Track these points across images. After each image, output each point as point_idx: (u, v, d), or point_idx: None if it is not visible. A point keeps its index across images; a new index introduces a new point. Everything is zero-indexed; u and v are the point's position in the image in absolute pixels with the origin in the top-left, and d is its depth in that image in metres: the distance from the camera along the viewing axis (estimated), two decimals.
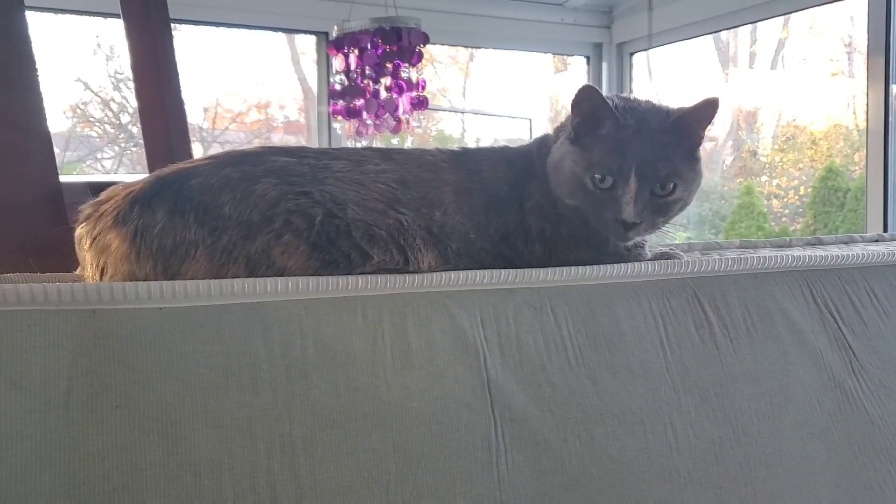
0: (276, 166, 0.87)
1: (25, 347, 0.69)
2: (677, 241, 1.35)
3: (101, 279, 0.84)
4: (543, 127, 4.72)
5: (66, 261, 1.13)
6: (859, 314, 1.06)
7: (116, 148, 4.47)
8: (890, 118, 2.77)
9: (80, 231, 0.88)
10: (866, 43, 2.86)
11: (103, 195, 0.88)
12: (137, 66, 1.76)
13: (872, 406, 1.01)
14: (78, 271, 0.95)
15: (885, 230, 2.75)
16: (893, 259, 1.12)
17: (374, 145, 2.93)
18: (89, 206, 0.88)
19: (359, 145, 2.86)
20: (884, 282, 1.10)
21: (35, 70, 1.28)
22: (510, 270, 0.90)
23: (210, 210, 0.83)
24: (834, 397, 0.99)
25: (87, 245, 0.85)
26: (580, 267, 0.94)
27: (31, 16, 1.32)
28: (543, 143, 1.03)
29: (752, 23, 3.79)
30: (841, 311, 1.05)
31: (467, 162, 0.99)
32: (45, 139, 1.28)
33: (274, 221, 0.84)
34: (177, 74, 1.78)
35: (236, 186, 0.84)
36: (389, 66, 2.70)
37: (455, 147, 1.04)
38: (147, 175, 0.92)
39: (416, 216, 0.92)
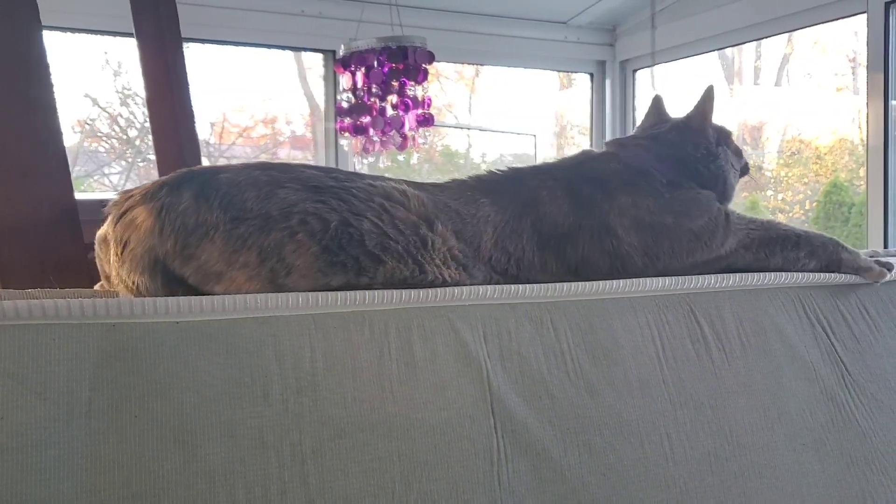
0: (304, 176, 0.90)
1: (49, 360, 0.72)
2: None
3: (121, 252, 0.86)
4: (549, 143, 4.75)
5: (82, 278, 1.16)
6: (851, 329, 1.08)
7: (124, 163, 4.50)
8: (890, 133, 2.79)
9: (108, 210, 0.90)
10: (866, 59, 2.89)
11: (133, 188, 0.91)
12: (151, 86, 1.80)
13: (864, 418, 1.04)
14: (97, 286, 0.98)
15: (886, 246, 2.76)
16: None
17: (381, 162, 2.97)
18: (119, 195, 0.90)
19: (365, 162, 2.90)
20: (875, 297, 1.13)
21: (52, 92, 1.31)
22: (512, 286, 0.93)
23: (234, 202, 0.85)
24: (826, 410, 1.02)
25: (114, 221, 0.88)
26: (579, 283, 0.97)
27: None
28: (631, 171, 1.09)
29: (755, 40, 3.82)
30: (833, 325, 1.08)
31: (518, 193, 1.03)
32: (62, 159, 1.31)
33: (291, 219, 0.86)
34: (189, 93, 1.82)
35: (262, 187, 0.87)
36: (396, 84, 2.73)
37: (499, 172, 1.06)
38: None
39: (443, 242, 0.94)
